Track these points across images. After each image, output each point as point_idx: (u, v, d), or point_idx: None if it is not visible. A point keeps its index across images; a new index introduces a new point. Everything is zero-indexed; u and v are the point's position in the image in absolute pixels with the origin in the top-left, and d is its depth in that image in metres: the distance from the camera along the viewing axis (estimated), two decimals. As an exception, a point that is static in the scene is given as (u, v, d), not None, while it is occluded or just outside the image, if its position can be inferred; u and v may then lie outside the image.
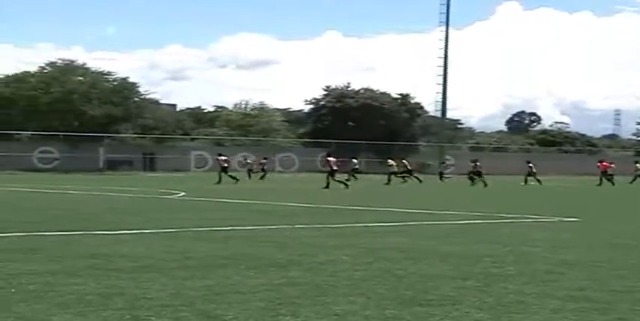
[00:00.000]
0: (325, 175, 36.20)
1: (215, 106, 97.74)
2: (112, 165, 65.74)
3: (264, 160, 54.34)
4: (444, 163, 60.44)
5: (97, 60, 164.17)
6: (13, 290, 6.60)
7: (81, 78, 69.12)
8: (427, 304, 6.25)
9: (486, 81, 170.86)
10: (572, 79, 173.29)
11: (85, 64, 72.15)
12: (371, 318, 5.76)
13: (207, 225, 13.37)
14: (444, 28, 74.13)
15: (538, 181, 45.96)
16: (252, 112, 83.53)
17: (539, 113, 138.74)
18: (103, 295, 6.41)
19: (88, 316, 5.64)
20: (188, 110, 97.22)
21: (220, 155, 43.43)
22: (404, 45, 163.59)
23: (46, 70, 70.16)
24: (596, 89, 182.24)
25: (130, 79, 72.23)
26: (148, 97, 74.35)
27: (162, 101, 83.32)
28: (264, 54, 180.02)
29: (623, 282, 7.65)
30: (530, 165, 48.81)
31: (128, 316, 5.64)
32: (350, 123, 77.49)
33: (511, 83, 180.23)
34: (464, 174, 49.84)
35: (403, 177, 45.54)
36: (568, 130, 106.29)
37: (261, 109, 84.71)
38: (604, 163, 47.94)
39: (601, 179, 46.07)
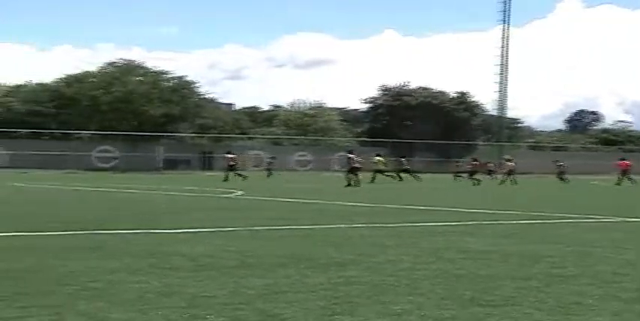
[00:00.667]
0: (344, 173, 36.33)
1: (271, 105, 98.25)
2: (170, 164, 66.43)
3: (271, 160, 55.07)
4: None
5: (156, 60, 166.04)
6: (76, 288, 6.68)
7: (141, 78, 69.87)
8: (487, 305, 6.17)
9: (546, 79, 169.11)
10: (635, 77, 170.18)
11: (144, 63, 73.02)
12: (429, 318, 5.70)
13: (264, 224, 13.40)
14: (503, 26, 73.60)
15: (562, 180, 45.95)
16: (309, 112, 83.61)
17: (600, 112, 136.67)
18: (163, 293, 6.45)
19: (148, 314, 5.68)
20: (245, 109, 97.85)
21: (229, 153, 43.60)
22: (462, 44, 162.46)
23: (106, 70, 71.05)
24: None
25: (188, 78, 72.96)
26: (205, 96, 75.06)
27: (219, 100, 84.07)
28: (322, 53, 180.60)
29: (690, 284, 7.46)
30: (560, 164, 48.15)
31: (187, 314, 5.67)
32: (407, 122, 77.11)
33: (571, 82, 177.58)
34: (524, 173, 49.34)
35: (390, 176, 42.81)
36: (631, 128, 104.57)
37: (319, 109, 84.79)
38: (625, 162, 46.01)
39: (619, 178, 44.57)
